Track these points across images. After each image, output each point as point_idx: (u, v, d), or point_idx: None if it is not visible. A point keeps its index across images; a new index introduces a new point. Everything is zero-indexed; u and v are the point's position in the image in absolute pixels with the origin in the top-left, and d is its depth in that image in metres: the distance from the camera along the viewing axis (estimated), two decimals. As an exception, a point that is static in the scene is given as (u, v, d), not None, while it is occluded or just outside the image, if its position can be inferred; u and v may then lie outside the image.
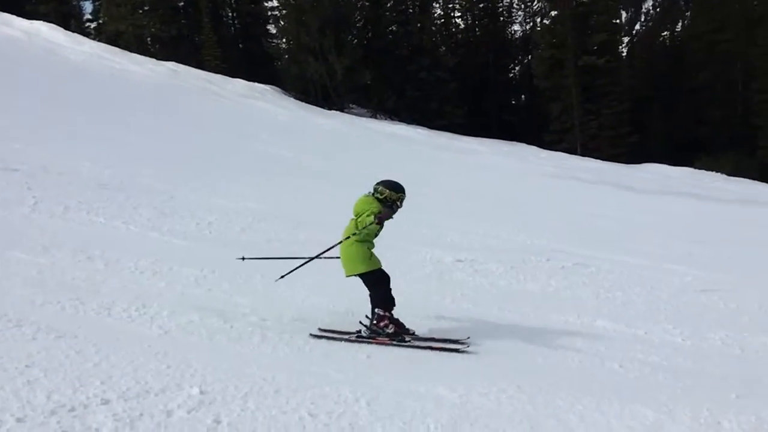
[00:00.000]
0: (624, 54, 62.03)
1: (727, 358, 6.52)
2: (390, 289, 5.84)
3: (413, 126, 40.40)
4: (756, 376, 6.05)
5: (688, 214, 21.50)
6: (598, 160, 39.38)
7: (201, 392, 4.09)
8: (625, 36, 77.85)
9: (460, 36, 58.96)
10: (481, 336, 6.43)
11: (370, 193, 5.86)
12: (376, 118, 43.61)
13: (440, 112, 45.71)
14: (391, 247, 9.75)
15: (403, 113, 45.51)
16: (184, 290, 6.70)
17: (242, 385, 4.28)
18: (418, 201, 15.42)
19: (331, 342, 5.55)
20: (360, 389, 4.45)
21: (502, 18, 59.85)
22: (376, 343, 5.66)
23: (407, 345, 5.69)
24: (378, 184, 5.85)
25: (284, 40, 47.48)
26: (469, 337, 5.92)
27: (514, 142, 41.18)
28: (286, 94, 41.76)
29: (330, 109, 40.61)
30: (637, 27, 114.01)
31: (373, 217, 5.43)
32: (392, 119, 44.21)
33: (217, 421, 3.74)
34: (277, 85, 43.06)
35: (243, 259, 6.33)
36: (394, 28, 49.32)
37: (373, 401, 4.27)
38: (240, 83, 38.93)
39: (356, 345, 5.57)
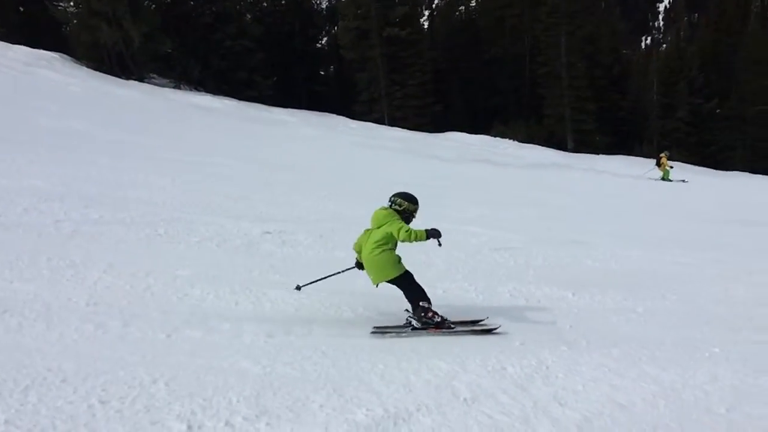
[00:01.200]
0: (425, 27, 64.62)
1: (514, 309, 7.12)
2: None
3: (220, 97, 39.08)
4: (537, 323, 6.68)
5: (485, 178, 23.12)
6: (405, 130, 40.88)
7: (-29, 391, 3.69)
8: (426, 9, 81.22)
9: (265, 4, 57.74)
10: (288, 306, 6.45)
11: (387, 205, 6.22)
12: (179, 88, 41.58)
13: (249, 83, 44.58)
14: (199, 222, 9.47)
15: (209, 84, 43.80)
16: (-46, 281, 5.95)
17: (22, 378, 3.92)
18: (228, 173, 15.09)
19: (127, 325, 5.23)
20: (158, 370, 4.27)
21: (307, -13, 59.42)
22: (431, 333, 5.95)
23: (453, 331, 6.03)
24: (395, 196, 6.23)
25: (72, 3, 43.36)
26: (488, 317, 6.37)
27: (325, 113, 41.45)
28: (77, 63, 38.30)
29: (128, 78, 38.00)
30: (437, 1, 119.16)
31: (425, 233, 5.75)
32: (197, 90, 42.44)
33: (-9, 420, 3.40)
34: (66, 53, 39.32)
35: (299, 288, 6.40)
36: (196, -6, 47.07)
37: (172, 381, 4.12)
38: (23, 50, 35.02)
39: (156, 326, 5.31)
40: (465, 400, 4.28)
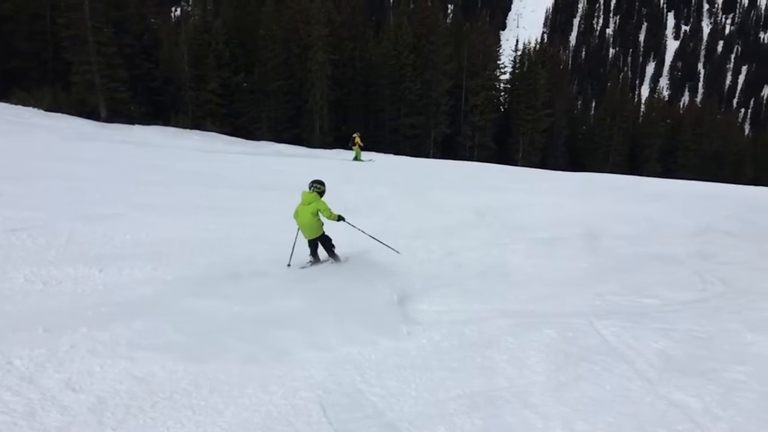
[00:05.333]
0: None
1: (29, 294, 6.49)
2: None
3: None
4: (61, 306, 6.21)
5: (6, 148, 20.49)
6: None
7: None
8: None
9: None
10: None
11: (311, 189, 9.50)
12: None
13: None
14: None
15: None
16: None
17: None
18: None
19: None
20: None
21: None
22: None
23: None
24: (314, 182, 9.58)
25: None
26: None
27: None
28: None
29: None
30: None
31: (337, 216, 9.38)
32: None
33: None
34: None
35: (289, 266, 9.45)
36: None
37: None
38: None
39: None
40: (-46, 409, 3.71)
